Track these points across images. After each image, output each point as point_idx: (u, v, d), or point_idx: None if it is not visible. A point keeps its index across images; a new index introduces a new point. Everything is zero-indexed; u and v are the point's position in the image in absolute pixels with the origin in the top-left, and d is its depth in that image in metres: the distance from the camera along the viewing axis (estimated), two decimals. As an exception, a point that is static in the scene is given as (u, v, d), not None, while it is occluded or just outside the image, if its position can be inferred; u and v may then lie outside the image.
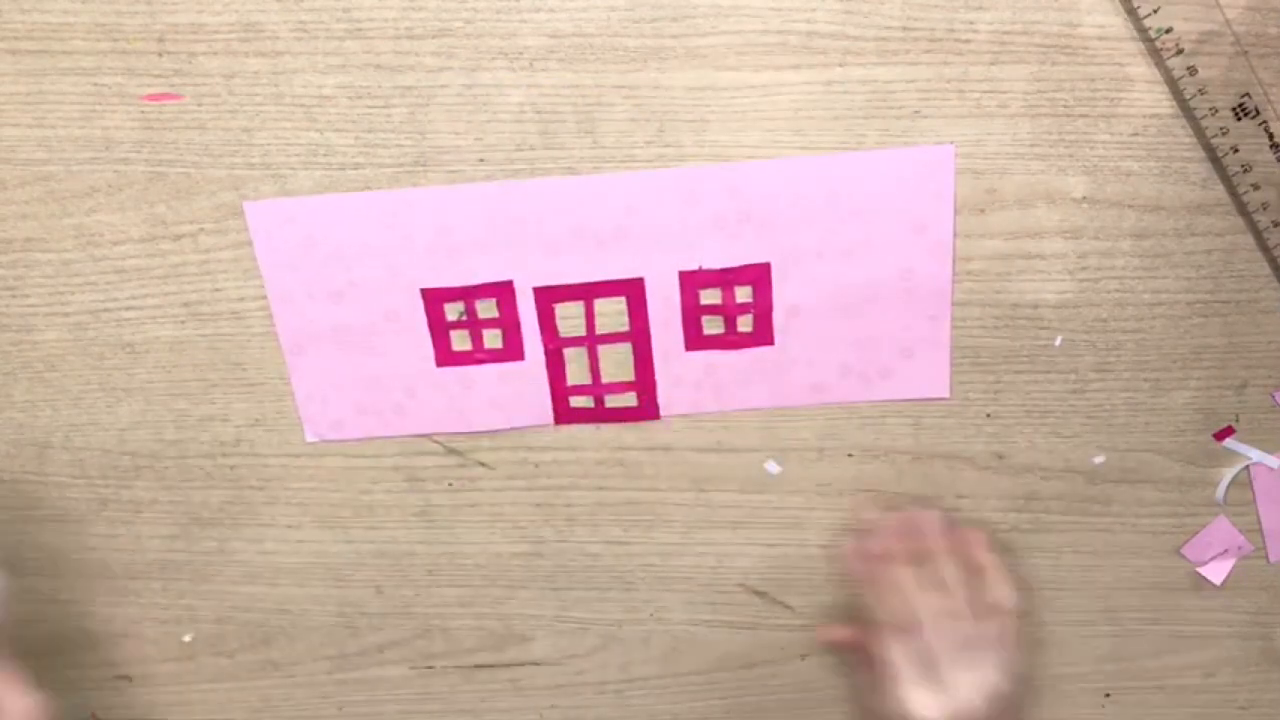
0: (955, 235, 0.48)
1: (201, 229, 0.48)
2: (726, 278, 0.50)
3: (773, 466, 0.52)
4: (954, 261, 0.49)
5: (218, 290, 0.50)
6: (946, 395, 0.52)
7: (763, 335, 0.51)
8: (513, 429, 0.53)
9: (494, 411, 0.53)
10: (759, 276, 0.50)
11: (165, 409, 0.53)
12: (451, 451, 0.54)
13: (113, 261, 0.49)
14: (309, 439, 0.53)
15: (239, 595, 0.58)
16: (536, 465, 0.54)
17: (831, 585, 0.57)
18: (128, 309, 0.50)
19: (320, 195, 0.47)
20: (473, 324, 0.51)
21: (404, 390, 0.52)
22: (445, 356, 0.51)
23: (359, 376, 0.52)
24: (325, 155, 0.47)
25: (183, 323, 0.51)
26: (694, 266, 0.49)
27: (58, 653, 0.60)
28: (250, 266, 0.49)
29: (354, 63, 0.45)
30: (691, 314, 0.50)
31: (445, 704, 0.61)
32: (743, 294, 0.50)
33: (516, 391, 0.52)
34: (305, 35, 0.44)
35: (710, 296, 0.50)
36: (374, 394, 0.52)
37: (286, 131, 0.46)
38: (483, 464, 0.54)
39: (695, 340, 0.51)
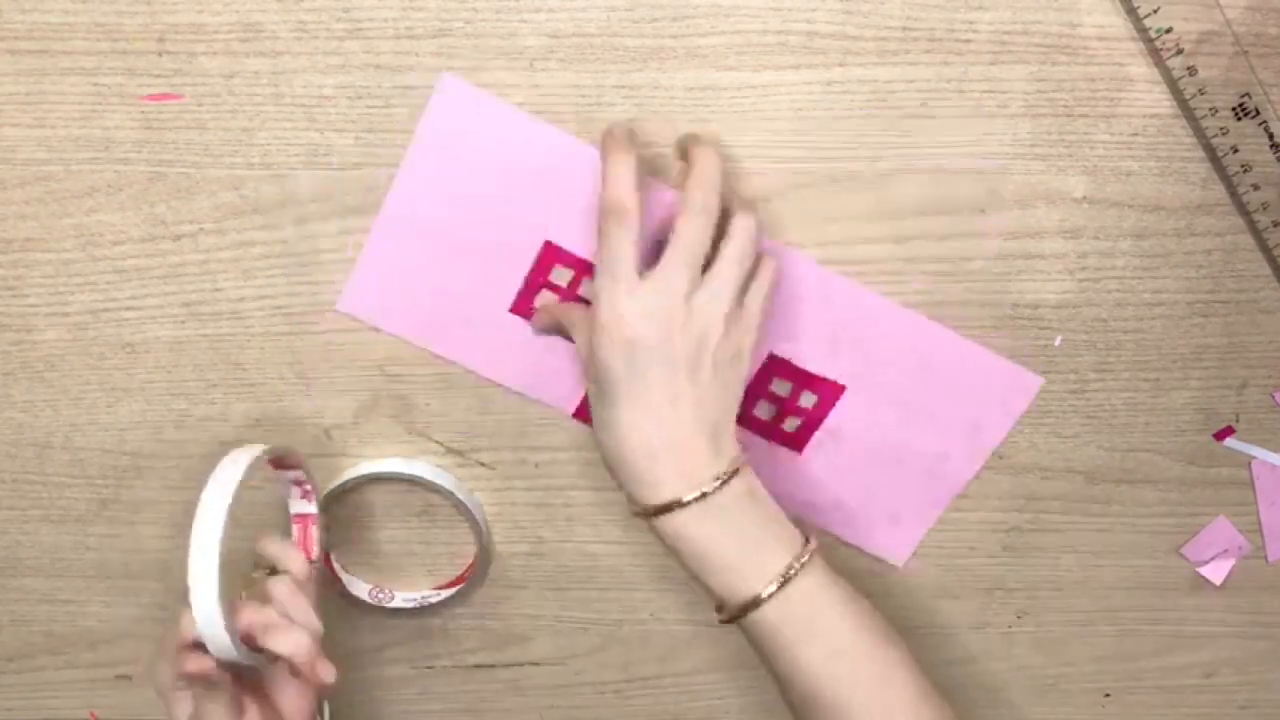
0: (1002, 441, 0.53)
1: (201, 229, 0.48)
2: (805, 379, 0.51)
3: None
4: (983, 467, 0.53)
5: (218, 290, 0.50)
6: (900, 565, 0.55)
7: (799, 442, 0.52)
8: (537, 399, 0.52)
9: (529, 376, 0.51)
10: (831, 394, 0.51)
11: (165, 409, 0.53)
12: (451, 451, 0.54)
13: (113, 261, 0.49)
14: (339, 309, 0.50)
15: (239, 595, 0.58)
16: (536, 465, 0.54)
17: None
18: (128, 309, 0.50)
19: (513, 108, 0.46)
20: (568, 294, 0.49)
21: (462, 316, 0.50)
22: (522, 306, 0.50)
23: (430, 281, 0.49)
24: (325, 155, 0.47)
25: (183, 323, 0.51)
26: (785, 355, 0.50)
27: (58, 653, 0.60)
28: (250, 266, 0.49)
29: (354, 63, 0.45)
30: (754, 392, 0.51)
31: (445, 704, 0.61)
32: (807, 400, 0.51)
33: (558, 370, 0.51)
34: (305, 35, 0.44)
35: (780, 387, 0.51)
36: (432, 302, 0.50)
37: (286, 131, 0.46)
38: (483, 464, 0.54)
39: (742, 417, 0.49)
